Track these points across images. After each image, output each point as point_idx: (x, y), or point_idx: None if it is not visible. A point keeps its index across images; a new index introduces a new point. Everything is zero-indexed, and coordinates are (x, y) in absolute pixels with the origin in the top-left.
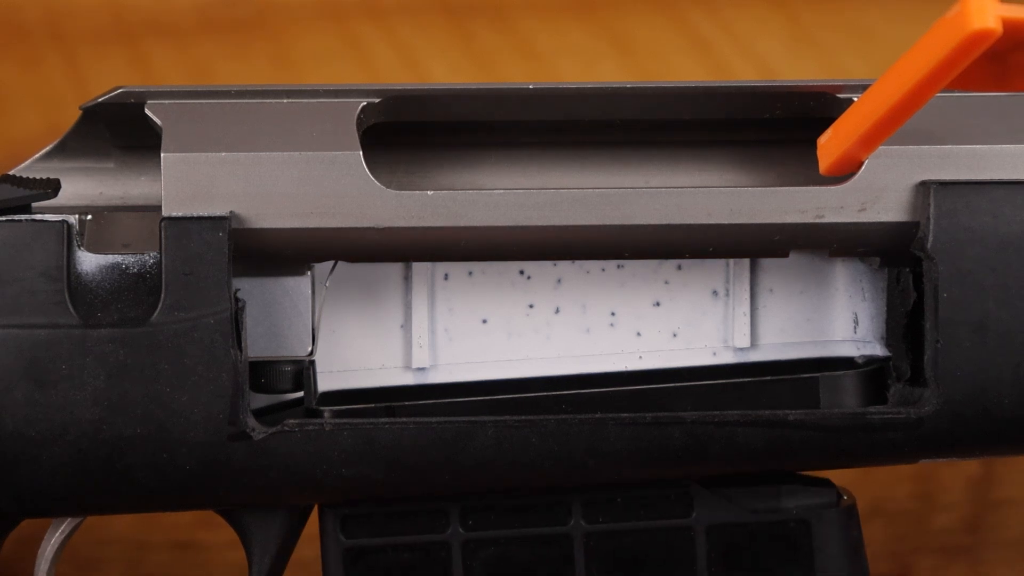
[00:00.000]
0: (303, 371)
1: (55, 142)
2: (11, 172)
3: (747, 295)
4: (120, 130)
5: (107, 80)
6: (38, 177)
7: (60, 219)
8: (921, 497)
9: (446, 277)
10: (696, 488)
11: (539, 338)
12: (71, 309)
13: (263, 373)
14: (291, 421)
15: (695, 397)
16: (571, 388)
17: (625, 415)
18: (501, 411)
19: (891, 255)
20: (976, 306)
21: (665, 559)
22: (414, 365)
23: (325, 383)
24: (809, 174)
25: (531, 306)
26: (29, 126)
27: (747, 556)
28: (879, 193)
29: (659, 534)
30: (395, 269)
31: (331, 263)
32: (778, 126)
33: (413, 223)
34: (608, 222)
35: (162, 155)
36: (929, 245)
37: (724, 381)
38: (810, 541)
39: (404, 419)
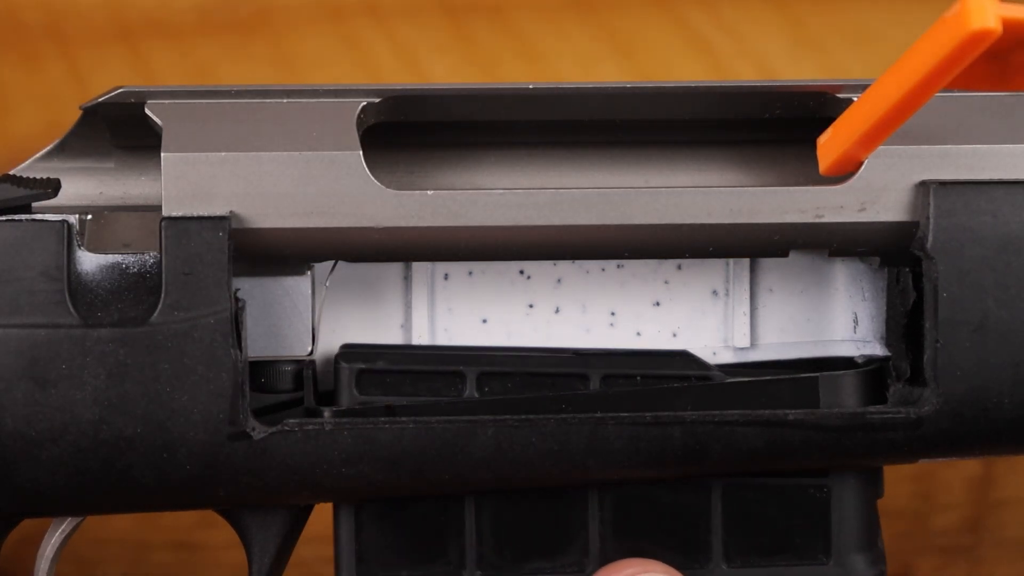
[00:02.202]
0: (303, 371)
1: (55, 142)
2: (11, 172)
3: (747, 295)
4: (120, 130)
5: (107, 80)
6: (38, 177)
7: (60, 219)
8: (921, 497)
9: (446, 277)
10: None
11: (539, 338)
12: (71, 309)
13: (263, 373)
14: (291, 421)
15: (695, 397)
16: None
17: (625, 415)
18: (501, 411)
19: (891, 255)
20: (976, 306)
21: (680, 519)
22: None
23: (326, 382)
24: (809, 174)
25: (531, 306)
26: (29, 126)
27: (764, 517)
28: (879, 193)
29: (675, 490)
30: (395, 269)
31: (331, 263)
32: (778, 126)
33: (413, 223)
34: (608, 222)
35: (162, 155)
36: (929, 245)
37: (724, 382)
38: (828, 506)
39: (404, 419)
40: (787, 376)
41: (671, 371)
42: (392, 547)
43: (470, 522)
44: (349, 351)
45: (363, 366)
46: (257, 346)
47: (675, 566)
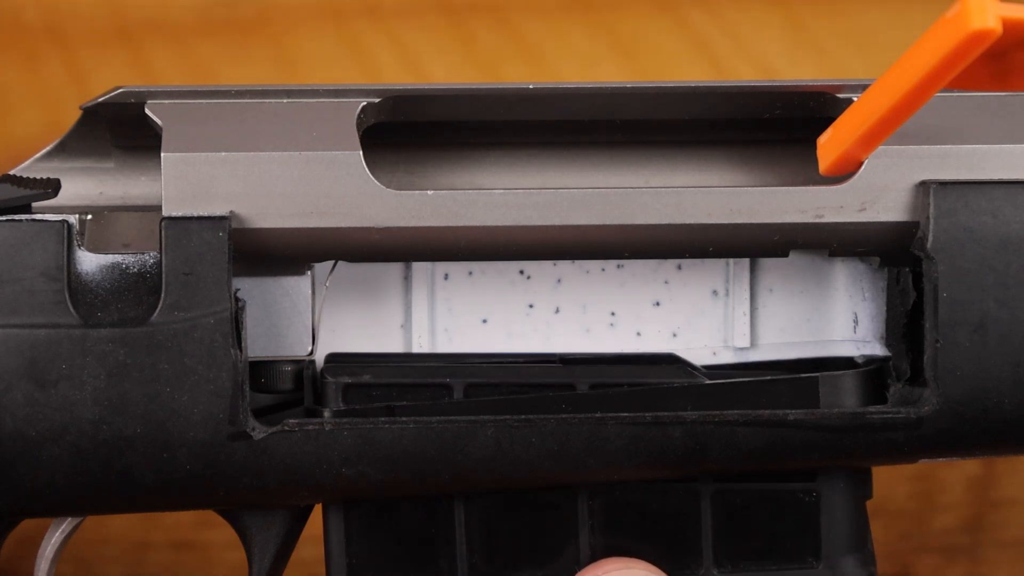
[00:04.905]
0: (303, 371)
1: (55, 142)
2: (11, 172)
3: (747, 295)
4: (120, 130)
5: (107, 80)
6: (38, 177)
7: (60, 219)
8: (921, 497)
9: (446, 277)
10: None
11: (539, 338)
12: (71, 309)
13: (263, 373)
14: (291, 421)
15: (695, 397)
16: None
17: (625, 415)
18: (501, 411)
19: (891, 255)
20: (976, 306)
21: (670, 522)
22: None
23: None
24: (809, 174)
25: (531, 306)
26: (29, 126)
27: (753, 521)
28: (879, 193)
29: (664, 496)
30: (395, 269)
31: (331, 263)
32: (778, 126)
33: (413, 223)
34: (608, 222)
35: (162, 155)
36: (929, 245)
37: (724, 381)
38: (817, 509)
39: (404, 419)
40: (787, 376)
41: (659, 379)
42: (383, 557)
43: (460, 530)
44: (335, 364)
45: (349, 380)
46: (257, 346)
47: (666, 572)
